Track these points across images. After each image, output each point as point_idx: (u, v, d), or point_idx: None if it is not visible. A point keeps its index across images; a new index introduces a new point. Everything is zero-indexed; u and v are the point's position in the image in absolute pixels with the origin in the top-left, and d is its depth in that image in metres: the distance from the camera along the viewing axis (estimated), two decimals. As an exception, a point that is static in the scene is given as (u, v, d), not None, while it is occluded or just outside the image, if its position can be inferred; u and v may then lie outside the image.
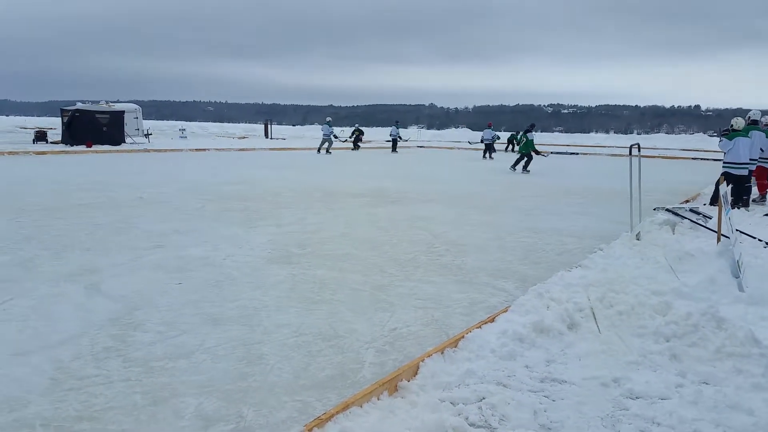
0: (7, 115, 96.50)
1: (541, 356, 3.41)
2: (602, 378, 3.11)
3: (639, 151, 6.76)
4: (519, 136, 27.56)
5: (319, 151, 24.75)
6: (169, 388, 2.86)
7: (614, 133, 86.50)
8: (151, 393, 2.81)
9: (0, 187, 10.35)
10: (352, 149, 27.30)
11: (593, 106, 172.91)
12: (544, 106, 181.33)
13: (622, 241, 6.24)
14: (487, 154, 24.95)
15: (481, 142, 27.90)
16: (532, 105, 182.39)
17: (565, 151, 31.37)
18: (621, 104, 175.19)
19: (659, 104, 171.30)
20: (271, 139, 38.18)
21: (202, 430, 2.50)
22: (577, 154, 31.18)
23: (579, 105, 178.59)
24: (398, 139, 29.32)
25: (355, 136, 28.78)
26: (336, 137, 27.75)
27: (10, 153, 18.66)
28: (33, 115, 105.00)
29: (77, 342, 3.40)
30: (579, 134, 60.12)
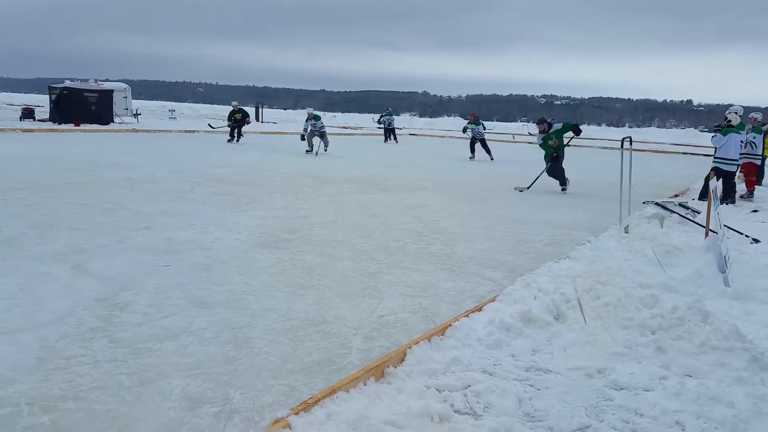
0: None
1: (527, 346, 3.44)
2: (587, 368, 3.14)
3: (631, 144, 6.80)
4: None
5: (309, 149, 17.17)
6: (156, 370, 2.86)
7: (606, 125, 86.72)
8: (138, 374, 2.80)
9: (-14, 164, 10.22)
10: (229, 140, 19.69)
11: (586, 98, 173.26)
12: (538, 96, 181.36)
13: (610, 233, 6.29)
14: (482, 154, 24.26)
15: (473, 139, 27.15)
16: (525, 95, 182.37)
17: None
18: (614, 97, 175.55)
19: (651, 98, 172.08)
20: (262, 122, 37.93)
21: (189, 411, 2.50)
22: (568, 145, 31.28)
23: (572, 96, 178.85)
24: (393, 127, 25.78)
25: (233, 120, 19.99)
26: (211, 126, 24.36)
27: (-3, 130, 18.40)
28: (20, 92, 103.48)
29: (63, 322, 3.38)
30: (571, 126, 60.13)
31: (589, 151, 28.22)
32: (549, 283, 4.35)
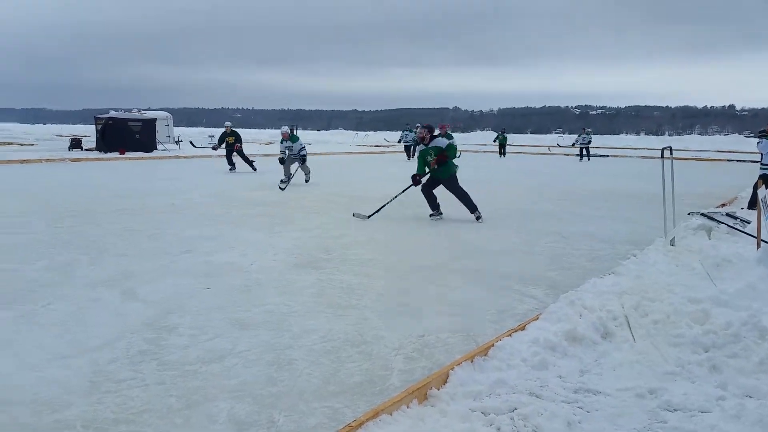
0: (44, 124, 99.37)
1: (575, 366, 3.35)
2: (638, 389, 3.04)
3: (671, 153, 6.64)
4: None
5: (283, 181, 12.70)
6: (203, 392, 2.90)
7: (645, 134, 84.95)
8: (185, 396, 2.85)
9: (38, 193, 10.63)
10: (230, 168, 16.50)
11: (622, 107, 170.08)
12: (572, 107, 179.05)
13: (655, 246, 6.12)
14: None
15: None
16: (559, 107, 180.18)
17: (594, 153, 30.89)
18: (651, 105, 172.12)
19: (691, 104, 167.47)
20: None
21: (235, 435, 2.53)
22: (607, 156, 30.72)
23: (608, 106, 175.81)
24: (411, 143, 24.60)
25: (226, 144, 16.76)
26: (194, 145, 22.76)
27: (47, 160, 19.14)
28: (68, 123, 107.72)
29: (114, 345, 3.47)
30: (608, 136, 59.19)
31: (628, 160, 27.68)
32: (594, 300, 4.25)
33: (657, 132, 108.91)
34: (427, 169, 8.50)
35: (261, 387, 2.98)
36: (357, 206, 9.67)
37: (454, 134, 21.70)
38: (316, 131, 78.92)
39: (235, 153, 16.65)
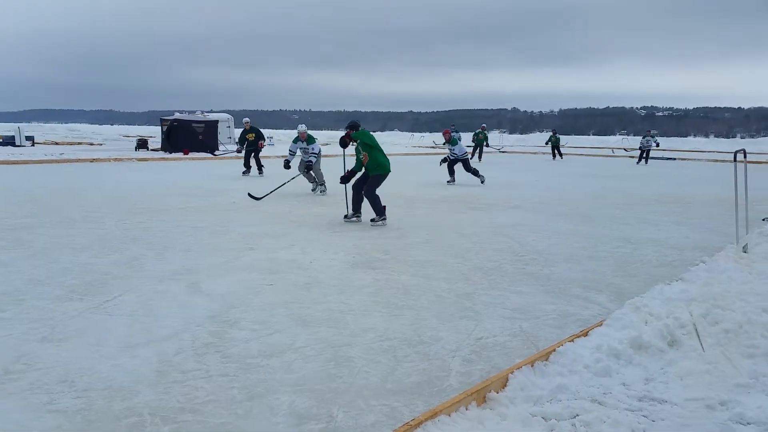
0: (112, 125, 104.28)
1: (640, 374, 3.24)
2: (708, 400, 2.91)
3: (745, 157, 6.33)
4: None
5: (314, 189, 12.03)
6: (264, 385, 2.97)
7: (714, 137, 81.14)
8: (248, 388, 2.93)
9: (108, 192, 11.14)
10: (244, 171, 15.30)
11: (691, 108, 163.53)
12: (637, 108, 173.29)
13: (727, 253, 5.84)
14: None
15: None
16: (623, 107, 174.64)
17: (660, 156, 29.77)
18: (722, 106, 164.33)
19: (766, 105, 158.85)
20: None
21: (296, 427, 2.57)
22: (674, 159, 29.54)
23: (675, 107, 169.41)
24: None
25: (246, 142, 15.55)
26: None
27: (115, 159, 20.02)
28: (135, 125, 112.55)
29: (180, 337, 3.60)
30: (675, 138, 56.94)
31: (697, 164, 26.54)
32: (661, 307, 4.09)
33: (728, 134, 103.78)
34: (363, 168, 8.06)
35: (320, 382, 3.02)
36: (414, 207, 9.69)
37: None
38: (372, 132, 79.44)
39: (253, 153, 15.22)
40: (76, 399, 2.78)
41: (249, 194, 9.47)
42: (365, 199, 7.89)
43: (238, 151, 15.92)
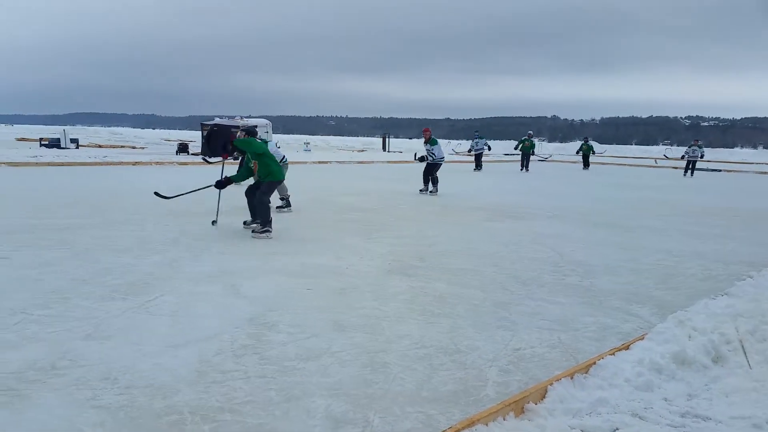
0: (153, 129, 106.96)
1: (682, 389, 3.16)
2: (754, 418, 2.82)
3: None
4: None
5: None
6: (301, 387, 3.00)
7: (763, 148, 78.57)
8: (285, 390, 2.96)
9: (149, 194, 11.38)
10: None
11: (738, 118, 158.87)
12: (681, 118, 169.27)
13: (775, 268, 5.65)
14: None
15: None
16: (667, 117, 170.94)
17: (705, 167, 28.98)
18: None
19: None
20: (388, 152, 38.93)
21: (332, 430, 2.59)
22: (720, 171, 28.73)
23: (721, 117, 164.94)
24: (484, 151, 23.56)
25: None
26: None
27: (156, 163, 20.51)
28: (176, 129, 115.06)
29: (219, 338, 3.65)
30: (721, 149, 55.39)
31: (744, 176, 25.75)
32: (706, 322, 3.98)
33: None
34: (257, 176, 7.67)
35: (356, 387, 3.03)
36: (450, 214, 9.65)
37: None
38: (408, 139, 79.45)
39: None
40: (118, 396, 2.85)
41: (156, 193, 8.76)
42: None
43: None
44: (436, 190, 12.99)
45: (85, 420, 2.61)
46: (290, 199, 10.01)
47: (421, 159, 13.66)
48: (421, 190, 13.15)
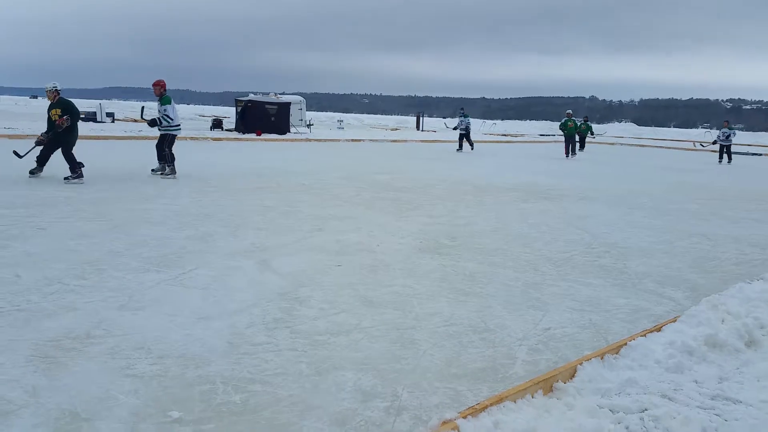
0: (188, 104, 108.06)
1: (713, 372, 3.12)
2: (787, 403, 2.77)
3: None
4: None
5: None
6: (331, 361, 3.05)
7: (809, 131, 75.49)
8: (315, 364, 3.01)
9: (183, 169, 11.59)
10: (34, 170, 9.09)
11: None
12: (722, 100, 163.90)
13: (816, 254, 5.49)
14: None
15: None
16: (708, 99, 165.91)
17: (746, 151, 28.08)
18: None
19: None
20: (422, 131, 38.70)
21: (361, 403, 2.63)
22: (761, 155, 27.80)
23: (764, 101, 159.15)
24: (467, 131, 21.22)
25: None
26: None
27: (191, 138, 20.63)
28: (210, 104, 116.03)
29: (251, 312, 3.73)
30: (763, 133, 53.50)
31: (787, 160, 24.89)
32: (740, 306, 3.91)
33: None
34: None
35: (385, 362, 3.07)
36: (483, 195, 9.59)
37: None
38: (442, 118, 78.81)
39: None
40: (152, 365, 2.93)
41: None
42: None
43: (39, 143, 9.17)
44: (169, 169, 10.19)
45: (119, 388, 2.69)
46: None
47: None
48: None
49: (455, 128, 22.09)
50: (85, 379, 2.75)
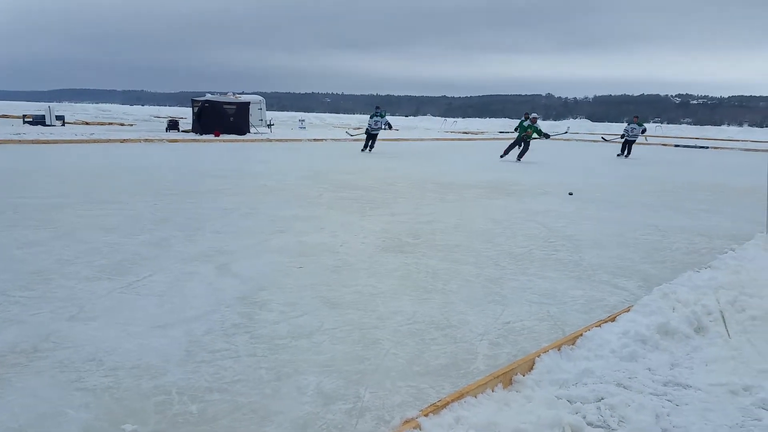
0: (142, 105, 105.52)
1: (665, 359, 3.23)
2: (731, 385, 2.90)
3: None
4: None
5: None
6: (292, 365, 3.02)
7: (749, 126, 78.74)
8: (276, 369, 2.98)
9: (138, 172, 11.34)
10: None
11: (725, 96, 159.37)
12: (672, 96, 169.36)
13: (756, 241, 5.74)
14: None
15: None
16: (658, 95, 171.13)
17: (693, 144, 29.09)
18: (757, 95, 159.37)
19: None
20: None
21: (323, 406, 2.62)
22: (707, 148, 28.83)
23: (710, 96, 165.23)
24: (383, 129, 19.29)
25: None
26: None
27: (146, 140, 20.14)
28: (166, 105, 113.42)
29: (208, 318, 3.66)
30: (709, 127, 55.55)
31: (730, 153, 25.86)
32: (689, 294, 4.05)
33: (762, 124, 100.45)
34: None
35: (348, 364, 3.06)
36: (446, 192, 9.67)
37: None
38: (404, 117, 78.95)
39: None
40: (104, 377, 2.82)
41: None
42: None
43: None
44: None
45: (69, 402, 2.57)
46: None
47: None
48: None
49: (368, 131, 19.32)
50: (32, 395, 2.63)
